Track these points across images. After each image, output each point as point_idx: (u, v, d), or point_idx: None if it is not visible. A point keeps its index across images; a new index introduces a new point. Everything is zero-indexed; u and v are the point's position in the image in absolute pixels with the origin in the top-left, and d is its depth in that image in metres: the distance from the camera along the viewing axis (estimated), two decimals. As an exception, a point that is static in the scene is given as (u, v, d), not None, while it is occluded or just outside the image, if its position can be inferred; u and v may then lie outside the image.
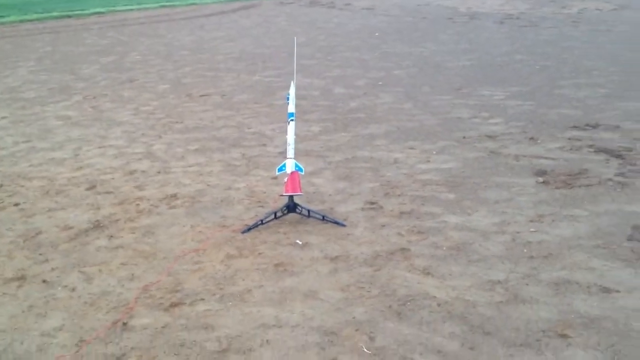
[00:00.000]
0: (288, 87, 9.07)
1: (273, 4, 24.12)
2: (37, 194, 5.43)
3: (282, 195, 4.82)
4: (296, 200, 4.75)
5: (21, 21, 20.18)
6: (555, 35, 13.66)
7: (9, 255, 4.35)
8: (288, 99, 4.85)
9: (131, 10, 23.17)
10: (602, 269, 3.87)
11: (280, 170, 4.81)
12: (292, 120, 4.80)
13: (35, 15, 21.26)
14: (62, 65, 11.83)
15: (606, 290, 3.64)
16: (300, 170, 4.77)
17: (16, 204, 5.22)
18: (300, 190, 4.72)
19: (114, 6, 24.46)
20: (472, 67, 10.48)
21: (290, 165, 4.72)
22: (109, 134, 7.20)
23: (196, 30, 16.65)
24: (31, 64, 12.00)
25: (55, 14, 21.93)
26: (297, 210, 4.74)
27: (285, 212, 4.73)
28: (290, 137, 4.78)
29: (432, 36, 14.27)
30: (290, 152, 4.77)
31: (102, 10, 23.03)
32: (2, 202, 5.27)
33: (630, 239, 4.27)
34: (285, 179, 4.74)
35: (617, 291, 3.62)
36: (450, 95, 8.54)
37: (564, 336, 3.22)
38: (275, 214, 4.72)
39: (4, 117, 8.07)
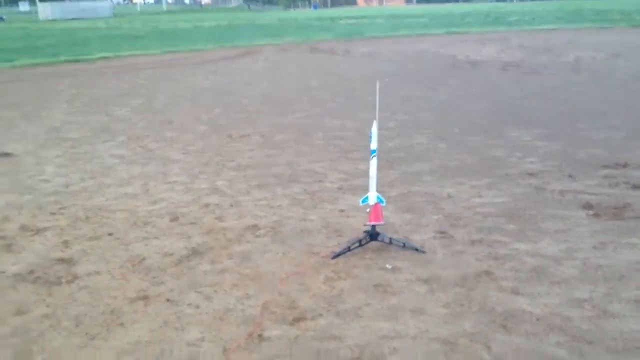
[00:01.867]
0: (319, 129, 9.67)
1: (275, 50, 24.84)
2: (125, 225, 5.80)
3: (366, 225, 5.23)
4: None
5: (32, 65, 20.61)
6: (559, 81, 14.39)
7: (124, 278, 4.71)
8: (371, 137, 5.29)
9: (136, 55, 23.73)
10: (673, 288, 4.33)
11: (364, 201, 5.25)
12: (374, 156, 5.25)
13: (44, 59, 21.72)
14: (94, 107, 12.26)
15: (683, 306, 4.09)
16: (382, 201, 5.22)
17: (110, 234, 5.58)
18: (383, 219, 5.16)
19: (118, 51, 25.01)
20: (491, 110, 11.08)
21: (372, 197, 5.18)
22: (169, 171, 7.59)
23: (210, 75, 17.20)
24: (63, 106, 12.41)
25: (62, 58, 22.40)
26: (379, 238, 5.16)
27: (369, 240, 5.16)
28: (373, 171, 5.23)
29: (442, 81, 14.94)
30: (373, 185, 5.22)
31: (108, 54, 23.57)
32: (96, 232, 5.62)
33: (690, 262, 4.74)
34: (368, 210, 5.19)
35: (693, 306, 4.08)
36: (479, 136, 9.08)
37: (658, 343, 3.65)
38: (360, 241, 5.14)
39: (58, 156, 8.44)
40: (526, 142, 8.63)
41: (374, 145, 5.30)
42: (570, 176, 7.04)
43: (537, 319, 3.97)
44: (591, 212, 5.90)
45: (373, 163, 5.26)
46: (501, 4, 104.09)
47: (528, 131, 9.31)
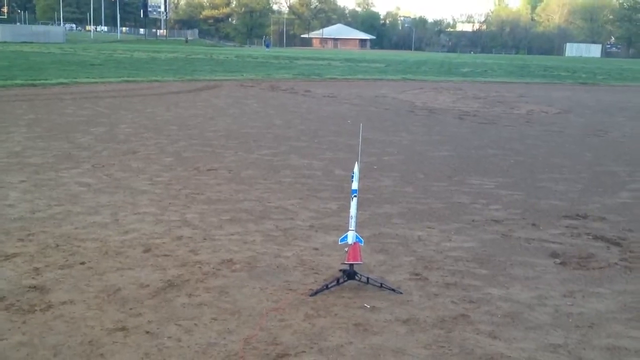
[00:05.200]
0: (286, 167, 9.74)
1: (235, 86, 24.96)
2: (97, 255, 5.70)
3: (343, 263, 5.28)
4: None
5: (-13, 86, 20.18)
6: (515, 133, 14.86)
7: (100, 308, 4.62)
8: (353, 177, 5.38)
9: (95, 82, 23.48)
10: (641, 338, 4.50)
11: (342, 240, 5.31)
12: (355, 196, 5.33)
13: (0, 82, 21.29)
14: (56, 133, 12.07)
15: (652, 354, 4.25)
16: (360, 241, 5.29)
17: (82, 263, 5.48)
18: (361, 259, 5.22)
19: (75, 78, 24.71)
20: (453, 157, 11.35)
21: (351, 236, 5.25)
22: (137, 202, 7.51)
23: (172, 107, 17.14)
24: (23, 131, 12.17)
25: (19, 81, 21.99)
26: (357, 277, 5.22)
27: (346, 278, 5.20)
28: (353, 210, 5.31)
29: (403, 126, 15.25)
30: (352, 225, 5.29)
31: (65, 81, 23.24)
32: (67, 261, 5.51)
33: (655, 313, 4.93)
34: (346, 249, 5.25)
35: (662, 355, 4.24)
36: (444, 182, 9.29)
37: (633, 390, 3.78)
38: (338, 280, 5.18)
39: (23, 181, 8.25)
40: (489, 190, 8.86)
41: (355, 185, 5.38)
42: (534, 225, 7.26)
43: (516, 363, 4.06)
44: (558, 260, 6.08)
45: (354, 203, 5.34)
46: (452, 55, 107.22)
47: (489, 179, 9.56)
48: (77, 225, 6.53)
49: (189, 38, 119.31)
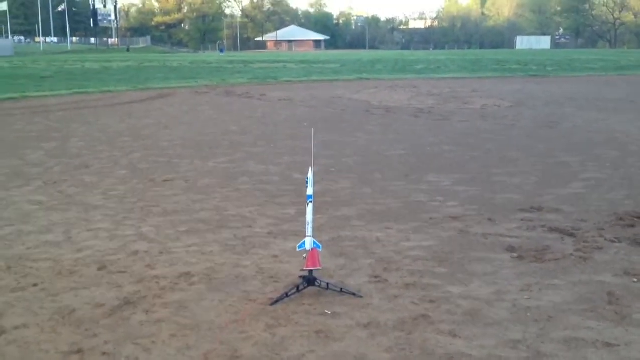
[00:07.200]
0: (243, 174, 9.68)
1: (189, 94, 24.73)
2: (50, 275, 5.56)
3: (303, 270, 5.25)
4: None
5: None
6: (470, 128, 15.03)
7: (54, 331, 4.51)
8: (307, 182, 5.36)
9: (45, 96, 23.02)
10: (598, 328, 4.57)
11: (300, 247, 5.29)
12: (310, 201, 5.31)
13: (-55, 99, 20.74)
14: (5, 150, 11.78)
15: (609, 345, 4.32)
16: (318, 246, 5.27)
17: (35, 285, 5.34)
18: (320, 264, 5.20)
19: (24, 92, 24.19)
20: (409, 156, 11.42)
21: (309, 242, 5.22)
22: (91, 218, 7.37)
23: (126, 118, 16.91)
24: (-30, 149, 11.86)
25: (-35, 97, 21.45)
26: (316, 283, 5.19)
27: (306, 285, 5.18)
28: (310, 216, 5.29)
29: (359, 127, 15.30)
30: (309, 231, 5.27)
31: (14, 95, 22.73)
32: (20, 284, 5.37)
33: (610, 303, 5.02)
34: (305, 255, 5.22)
35: (618, 345, 4.31)
36: (401, 181, 9.33)
37: (591, 381, 3.83)
38: (297, 287, 5.15)
39: (-29, 201, 8.03)
40: (446, 187, 8.94)
41: (310, 190, 5.36)
42: (490, 220, 7.33)
43: (477, 361, 4.09)
44: (515, 254, 6.15)
45: (309, 208, 5.32)
46: (406, 52, 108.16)
47: (446, 176, 9.64)
48: (29, 246, 6.37)
49: (141, 45, 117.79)
